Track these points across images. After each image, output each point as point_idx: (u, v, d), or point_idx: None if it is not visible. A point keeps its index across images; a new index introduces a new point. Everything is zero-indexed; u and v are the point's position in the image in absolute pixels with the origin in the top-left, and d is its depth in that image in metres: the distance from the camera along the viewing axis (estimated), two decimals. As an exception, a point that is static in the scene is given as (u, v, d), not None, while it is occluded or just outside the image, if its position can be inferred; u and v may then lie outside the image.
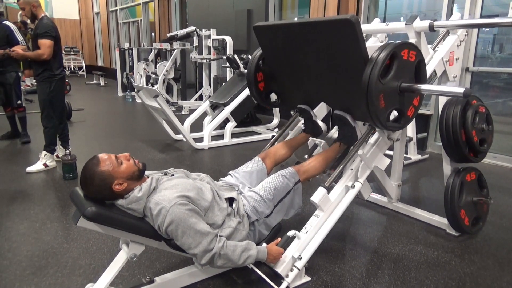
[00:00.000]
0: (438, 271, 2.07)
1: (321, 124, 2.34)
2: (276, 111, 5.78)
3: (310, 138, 2.39)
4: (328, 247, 2.26)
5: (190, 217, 1.56)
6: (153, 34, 10.89)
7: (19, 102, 4.46)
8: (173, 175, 1.79)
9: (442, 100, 2.43)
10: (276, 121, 5.76)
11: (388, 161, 2.16)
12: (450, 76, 2.43)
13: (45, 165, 3.61)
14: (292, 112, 2.55)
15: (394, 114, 1.97)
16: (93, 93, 9.73)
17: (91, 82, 11.97)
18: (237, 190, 1.95)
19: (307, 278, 1.94)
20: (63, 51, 14.08)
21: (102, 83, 11.58)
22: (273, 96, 2.67)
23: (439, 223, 2.58)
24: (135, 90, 4.66)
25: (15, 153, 4.27)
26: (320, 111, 2.33)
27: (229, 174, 2.15)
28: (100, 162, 1.59)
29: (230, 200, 1.85)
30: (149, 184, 1.64)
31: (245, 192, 1.96)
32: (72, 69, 14.50)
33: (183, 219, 1.54)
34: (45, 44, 3.34)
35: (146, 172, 1.75)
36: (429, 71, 2.25)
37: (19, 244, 2.27)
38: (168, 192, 1.60)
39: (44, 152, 3.64)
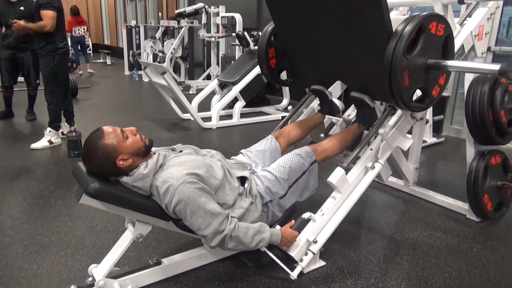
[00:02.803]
0: (460, 258, 1.97)
1: (338, 102, 2.20)
2: (286, 91, 5.63)
3: (327, 116, 2.25)
4: (343, 231, 2.15)
5: (200, 197, 1.45)
6: (160, 14, 10.65)
7: (38, 81, 4.24)
8: (181, 151, 1.67)
9: (468, 78, 2.27)
10: (285, 101, 5.61)
11: (411, 141, 2.02)
12: (478, 52, 2.26)
13: (50, 142, 3.53)
14: (306, 90, 2.41)
15: (416, 94, 1.83)
16: (100, 71, 9.60)
17: (98, 60, 11.81)
18: (249, 169, 1.83)
19: (322, 263, 1.85)
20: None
21: (108, 61, 11.44)
22: (284, 75, 2.53)
23: (459, 208, 2.46)
24: (142, 67, 4.52)
25: (20, 130, 4.19)
26: (336, 89, 2.18)
27: (241, 152, 2.03)
28: (104, 134, 1.48)
29: (242, 180, 1.74)
30: (156, 161, 1.52)
31: (258, 171, 1.85)
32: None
33: (192, 199, 1.44)
34: (48, 15, 3.20)
35: (152, 149, 1.63)
36: (456, 46, 2.08)
37: (22, 221, 2.20)
38: (176, 169, 1.49)
39: (48, 129, 3.55)
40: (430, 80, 1.78)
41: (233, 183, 1.66)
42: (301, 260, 1.72)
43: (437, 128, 4.36)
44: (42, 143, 3.50)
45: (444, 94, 4.39)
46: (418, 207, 2.54)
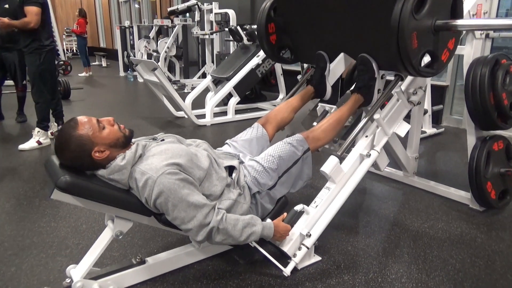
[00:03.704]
0: (463, 249, 1.86)
1: (328, 85, 2.08)
2: (282, 87, 5.51)
3: (320, 104, 2.14)
4: (339, 223, 2.05)
5: (182, 188, 1.35)
6: (156, 16, 10.56)
7: (24, 82, 4.08)
8: (163, 140, 1.57)
9: (467, 60, 2.17)
10: (281, 97, 5.50)
11: (408, 126, 1.91)
12: (476, 33, 2.16)
13: (39, 142, 3.43)
14: (299, 77, 2.31)
15: (423, 61, 1.73)
16: (95, 73, 9.50)
17: (93, 63, 11.68)
18: (238, 159, 1.73)
19: (317, 258, 1.74)
20: (64, 32, 13.80)
21: (104, 64, 11.34)
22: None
23: (461, 198, 2.36)
24: (133, 64, 4.42)
25: (9, 132, 4.09)
26: (339, 65, 2.06)
27: (226, 143, 1.92)
28: (78, 125, 1.37)
29: (230, 170, 1.63)
30: (134, 151, 1.42)
31: (246, 161, 1.74)
32: (74, 51, 14.20)
33: (173, 191, 1.33)
34: (32, 11, 3.10)
35: (132, 139, 1.53)
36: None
37: (3, 222, 2.09)
38: (155, 160, 1.39)
39: (37, 129, 3.45)
40: (439, 43, 1.68)
41: (221, 172, 1.56)
42: (295, 255, 1.62)
43: (436, 119, 4.26)
44: (30, 144, 3.40)
45: (443, 83, 4.31)
46: (418, 198, 2.43)
